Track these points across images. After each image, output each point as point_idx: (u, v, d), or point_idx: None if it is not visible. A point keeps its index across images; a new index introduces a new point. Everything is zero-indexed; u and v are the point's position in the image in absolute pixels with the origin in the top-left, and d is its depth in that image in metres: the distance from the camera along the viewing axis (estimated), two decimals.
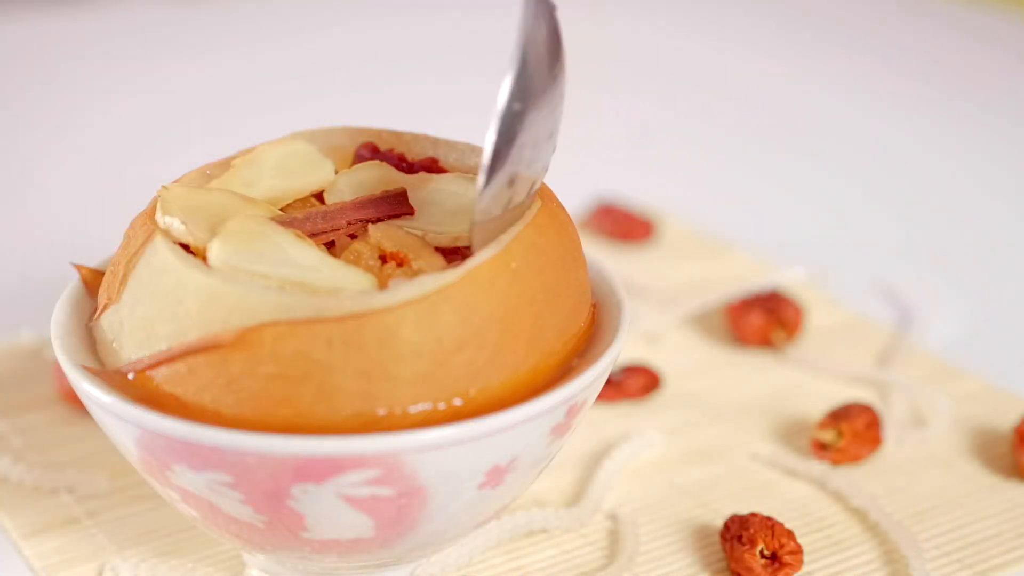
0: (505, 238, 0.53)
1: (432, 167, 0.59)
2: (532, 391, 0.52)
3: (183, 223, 0.53)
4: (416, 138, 0.60)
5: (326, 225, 0.55)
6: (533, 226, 0.54)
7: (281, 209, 0.56)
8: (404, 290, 0.50)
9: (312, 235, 0.54)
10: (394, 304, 0.49)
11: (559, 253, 0.54)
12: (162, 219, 0.54)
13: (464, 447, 0.50)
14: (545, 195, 0.56)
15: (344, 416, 0.49)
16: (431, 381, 0.50)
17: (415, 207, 0.56)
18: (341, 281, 0.51)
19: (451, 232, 0.55)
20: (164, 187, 0.55)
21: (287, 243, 0.53)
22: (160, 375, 0.51)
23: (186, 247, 0.53)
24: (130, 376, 0.52)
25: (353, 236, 0.55)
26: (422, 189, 0.57)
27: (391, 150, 0.60)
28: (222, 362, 0.50)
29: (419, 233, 0.55)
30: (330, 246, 0.55)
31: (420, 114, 1.08)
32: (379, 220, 0.55)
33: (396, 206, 0.56)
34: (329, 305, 0.49)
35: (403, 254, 0.53)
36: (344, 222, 0.55)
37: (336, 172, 0.59)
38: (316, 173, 0.58)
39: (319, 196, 0.58)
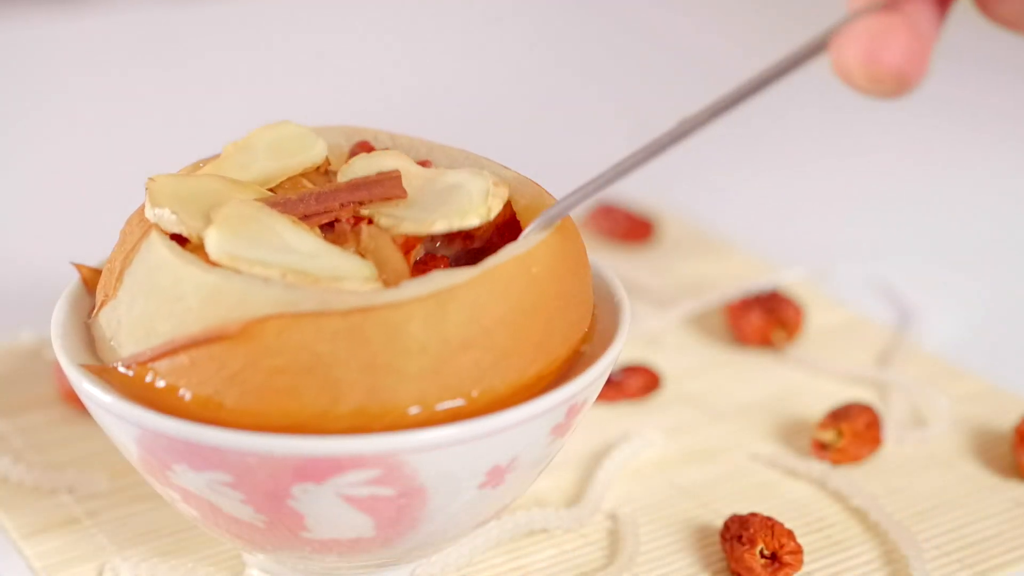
0: (532, 240, 0.52)
1: None
2: (533, 394, 0.52)
3: (174, 213, 0.53)
4: (411, 141, 0.60)
5: (319, 207, 0.54)
6: (559, 231, 0.54)
7: (272, 190, 0.56)
8: (413, 287, 0.50)
9: (305, 217, 0.54)
10: (402, 300, 0.49)
11: (573, 260, 0.54)
12: (152, 212, 0.53)
13: (464, 447, 0.50)
14: (550, 201, 0.56)
15: (347, 410, 0.49)
16: (435, 379, 0.50)
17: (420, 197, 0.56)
18: (341, 269, 0.51)
19: (445, 222, 0.54)
20: (151, 178, 0.54)
21: (283, 228, 0.52)
22: (161, 368, 0.51)
23: (179, 239, 0.53)
24: (130, 371, 0.52)
25: (355, 220, 0.55)
26: (436, 182, 0.57)
27: (385, 151, 0.60)
28: (225, 354, 0.50)
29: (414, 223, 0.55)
30: (328, 228, 0.54)
31: (420, 117, 1.08)
32: (371, 202, 0.55)
33: (389, 189, 0.55)
34: (334, 299, 0.49)
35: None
36: (337, 204, 0.55)
37: (329, 161, 0.58)
38: (309, 151, 0.58)
39: (312, 174, 0.58)
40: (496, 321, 0.51)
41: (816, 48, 0.51)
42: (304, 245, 0.52)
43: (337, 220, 0.54)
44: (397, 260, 0.53)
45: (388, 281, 0.52)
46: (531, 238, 0.53)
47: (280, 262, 0.51)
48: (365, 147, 0.60)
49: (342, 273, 0.51)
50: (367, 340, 0.49)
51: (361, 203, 0.55)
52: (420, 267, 0.55)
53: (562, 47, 1.28)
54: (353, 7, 1.33)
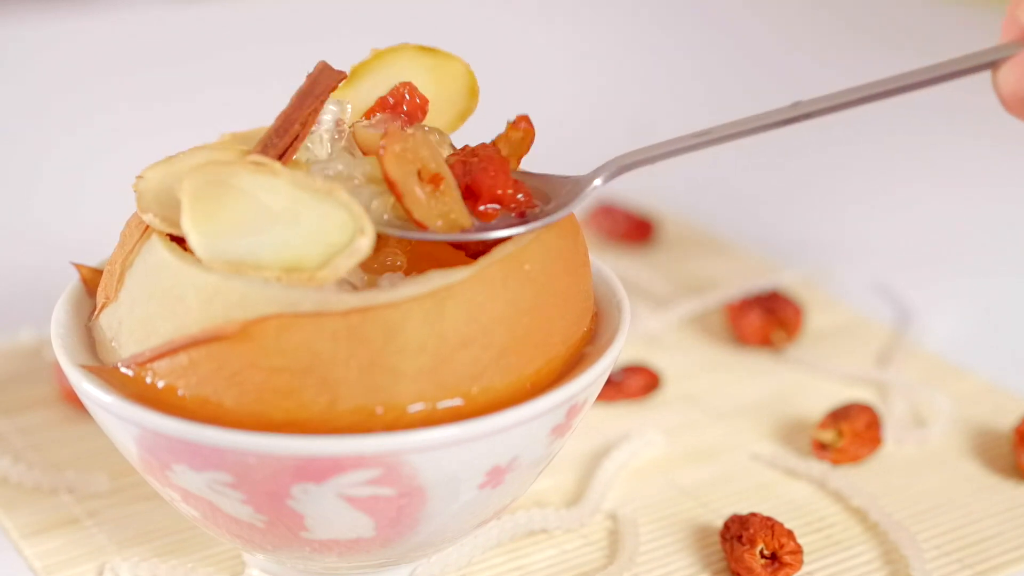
0: (524, 238, 0.52)
1: None
2: (534, 393, 0.52)
3: (157, 215, 0.53)
4: None
5: (286, 140, 0.54)
6: (553, 229, 0.53)
7: None
8: (411, 286, 0.50)
9: (281, 156, 0.53)
10: (400, 299, 0.49)
11: (571, 258, 0.54)
12: (142, 216, 0.53)
13: (464, 447, 0.50)
14: None
15: (346, 410, 0.49)
16: (433, 378, 0.50)
17: None
18: (323, 230, 0.50)
19: None
20: (139, 176, 0.54)
21: (252, 186, 0.51)
22: (160, 368, 0.51)
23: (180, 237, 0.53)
24: (129, 371, 0.52)
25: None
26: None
27: None
28: (225, 354, 0.50)
29: None
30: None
31: None
32: (324, 101, 0.55)
33: (328, 79, 0.55)
34: (333, 299, 0.49)
35: (437, 173, 0.52)
36: (298, 125, 0.54)
37: None
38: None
39: None
40: (493, 319, 0.51)
41: (977, 67, 0.54)
42: (279, 200, 0.50)
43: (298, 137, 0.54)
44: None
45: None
46: (522, 237, 0.53)
47: (270, 254, 0.50)
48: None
49: (324, 239, 0.50)
50: (366, 340, 0.49)
51: (316, 109, 0.54)
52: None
53: (569, 44, 1.28)
54: (355, 6, 1.33)
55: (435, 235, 0.52)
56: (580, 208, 0.55)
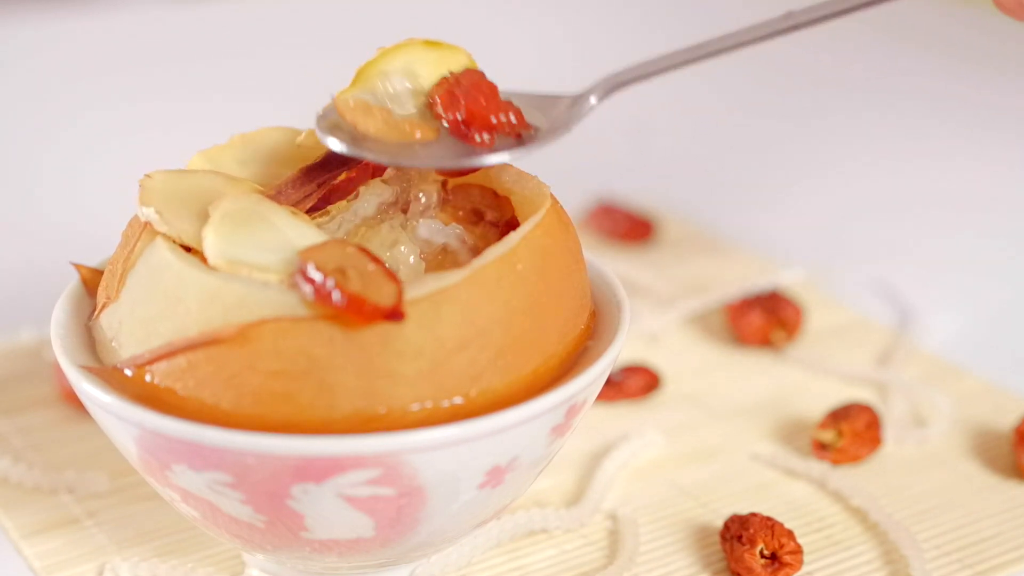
0: (513, 238, 0.52)
1: None
2: (533, 392, 0.52)
3: (158, 213, 0.53)
4: None
5: (300, 194, 0.55)
6: (541, 227, 0.53)
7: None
8: (407, 290, 0.50)
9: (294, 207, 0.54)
10: None
11: (563, 255, 0.54)
12: (140, 210, 0.53)
13: (464, 447, 0.50)
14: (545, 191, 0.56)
15: (344, 414, 0.49)
16: (432, 380, 0.50)
17: None
18: None
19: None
20: (146, 175, 0.54)
21: (282, 222, 0.52)
22: (159, 370, 0.51)
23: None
24: (129, 372, 0.52)
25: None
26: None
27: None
28: (223, 357, 0.50)
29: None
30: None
31: None
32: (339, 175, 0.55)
33: (338, 165, 0.56)
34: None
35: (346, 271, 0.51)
36: (313, 184, 0.55)
37: None
38: (308, 161, 0.58)
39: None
40: (490, 320, 0.51)
41: None
42: (302, 239, 0.51)
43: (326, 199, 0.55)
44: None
45: None
46: (512, 237, 0.53)
47: (278, 265, 0.50)
48: None
49: None
50: (363, 344, 0.49)
51: (335, 177, 0.55)
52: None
53: (555, 38, 1.28)
54: (354, 6, 1.33)
55: (443, 162, 0.53)
56: (576, 126, 0.56)
